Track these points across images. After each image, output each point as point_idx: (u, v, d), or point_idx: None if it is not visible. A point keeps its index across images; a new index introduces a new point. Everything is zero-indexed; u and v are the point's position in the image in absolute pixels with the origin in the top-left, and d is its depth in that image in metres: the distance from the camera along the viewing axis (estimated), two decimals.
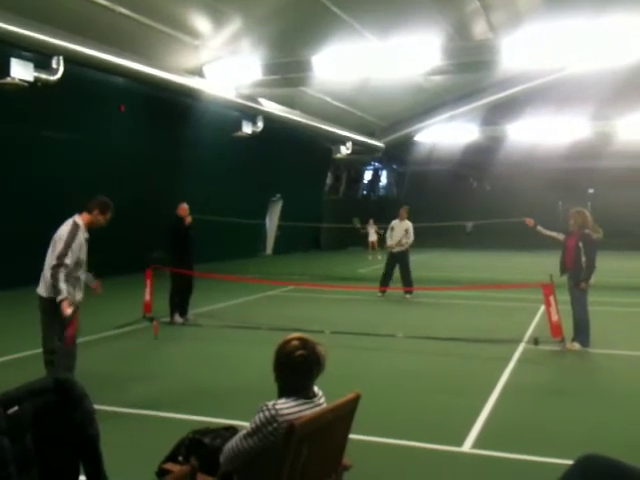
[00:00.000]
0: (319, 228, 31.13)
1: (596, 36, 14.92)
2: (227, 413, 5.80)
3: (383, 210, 26.13)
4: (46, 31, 12.62)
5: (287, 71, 17.40)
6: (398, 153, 34.40)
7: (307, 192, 29.61)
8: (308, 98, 21.97)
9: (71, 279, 5.88)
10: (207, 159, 20.98)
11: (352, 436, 3.45)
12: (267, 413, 3.05)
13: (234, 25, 15.95)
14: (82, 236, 5.98)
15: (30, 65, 12.92)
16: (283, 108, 21.35)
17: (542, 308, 10.26)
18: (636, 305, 13.12)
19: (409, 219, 14.60)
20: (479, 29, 19.09)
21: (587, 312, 8.94)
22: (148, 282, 11.29)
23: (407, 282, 14.24)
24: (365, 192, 39.89)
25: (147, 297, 11.26)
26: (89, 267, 6.21)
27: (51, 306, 5.80)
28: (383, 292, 14.27)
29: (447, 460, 5.09)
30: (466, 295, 13.98)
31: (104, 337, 9.77)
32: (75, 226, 5.95)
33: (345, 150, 27.26)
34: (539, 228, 9.93)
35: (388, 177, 41.71)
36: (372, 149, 29.41)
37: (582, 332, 8.93)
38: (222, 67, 17.17)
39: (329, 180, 33.84)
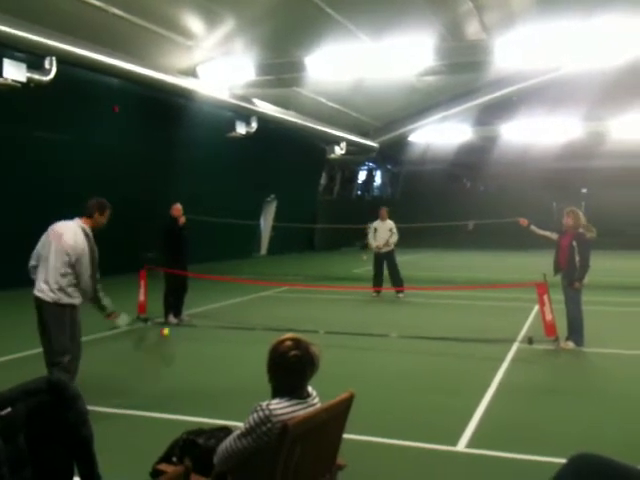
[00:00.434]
0: (313, 229, 31.14)
1: (589, 37, 14.97)
2: (221, 413, 5.79)
3: (378, 210, 26.10)
4: (39, 32, 12.57)
5: (281, 72, 17.39)
6: (392, 153, 34.42)
7: (301, 192, 29.60)
8: (302, 98, 21.96)
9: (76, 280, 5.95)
10: (201, 159, 20.96)
11: (346, 436, 3.45)
12: (261, 413, 3.05)
13: (227, 26, 15.93)
14: (93, 242, 6.04)
15: (23, 66, 12.88)
16: (277, 108, 21.34)
17: (536, 307, 10.29)
18: (630, 304, 13.17)
19: (397, 220, 14.85)
20: (472, 30, 19.10)
21: (581, 311, 8.96)
22: (142, 283, 11.28)
23: (397, 281, 14.32)
24: (359, 192, 39.92)
25: (141, 298, 11.24)
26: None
27: (58, 309, 5.86)
28: (378, 292, 14.34)
29: (442, 459, 5.09)
30: (460, 295, 14.00)
31: (98, 338, 9.74)
32: (87, 236, 5.95)
33: (339, 150, 27.25)
34: (533, 228, 9.94)
35: (382, 177, 41.72)
36: (366, 149, 29.43)
37: (576, 331, 8.96)
38: (216, 67, 17.15)
39: (323, 180, 33.83)
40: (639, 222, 29.86)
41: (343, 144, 27.07)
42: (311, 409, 3.16)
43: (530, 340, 9.17)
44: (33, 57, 13.01)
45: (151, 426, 5.85)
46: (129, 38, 14.75)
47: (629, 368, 8.21)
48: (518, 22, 16.87)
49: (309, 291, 14.90)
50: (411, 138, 30.17)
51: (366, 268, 16.42)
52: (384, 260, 14.36)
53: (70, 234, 5.90)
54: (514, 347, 9.11)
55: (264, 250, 28.28)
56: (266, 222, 28.11)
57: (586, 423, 5.96)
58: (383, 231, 14.46)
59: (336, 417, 3.27)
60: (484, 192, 37.88)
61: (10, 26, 11.94)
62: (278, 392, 3.18)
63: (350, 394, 3.32)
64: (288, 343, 3.19)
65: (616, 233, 26.54)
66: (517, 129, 28.83)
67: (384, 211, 14.82)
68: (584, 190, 31.93)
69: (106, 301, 6.21)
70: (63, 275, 5.86)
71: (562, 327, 9.05)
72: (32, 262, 6.06)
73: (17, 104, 13.90)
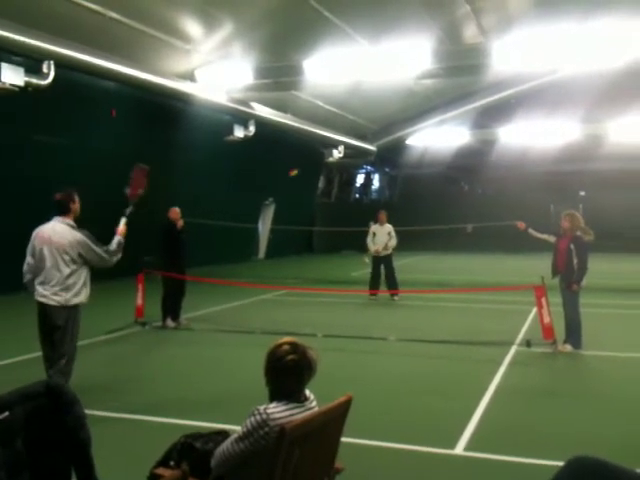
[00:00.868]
0: (312, 232, 31.15)
1: (586, 39, 14.99)
2: (219, 417, 5.78)
3: (376, 213, 26.11)
4: (36, 36, 12.57)
5: (279, 75, 17.39)
6: (390, 156, 34.42)
7: (299, 196, 29.61)
8: (300, 102, 21.97)
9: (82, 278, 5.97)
10: (199, 163, 20.96)
11: (344, 439, 3.45)
12: (258, 417, 3.05)
13: (225, 29, 15.94)
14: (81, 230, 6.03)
15: (21, 70, 12.87)
16: (275, 112, 21.35)
17: (534, 310, 10.30)
18: (627, 307, 13.17)
19: (395, 223, 14.97)
20: (470, 33, 19.13)
21: (579, 314, 8.98)
22: (140, 286, 11.27)
23: (393, 284, 14.44)
24: (357, 195, 39.93)
25: (139, 301, 11.24)
26: None
27: (64, 311, 5.84)
28: (375, 295, 14.41)
29: (440, 463, 5.10)
30: (458, 298, 14.01)
31: (96, 342, 9.75)
32: (75, 228, 5.95)
33: (337, 154, 27.26)
34: (530, 231, 9.95)
35: (380, 180, 41.72)
36: (364, 152, 29.43)
37: (574, 334, 8.96)
38: (213, 71, 17.15)
39: (321, 184, 33.85)
40: (637, 225, 29.85)
41: (341, 147, 27.08)
42: (309, 413, 3.16)
43: (528, 343, 9.18)
44: (31, 61, 13.00)
45: (149, 430, 5.85)
46: (127, 42, 14.76)
47: (627, 370, 8.21)
48: (516, 25, 16.89)
49: (307, 294, 14.90)
50: (409, 141, 30.17)
51: (364, 271, 16.43)
52: (382, 263, 14.43)
53: (58, 234, 5.87)
54: (512, 350, 9.11)
55: (262, 253, 28.26)
56: (264, 225, 28.11)
57: (584, 426, 5.96)
58: (382, 235, 14.57)
59: (334, 420, 3.27)
60: (482, 195, 37.87)
61: (8, 30, 11.94)
62: (276, 396, 3.18)
63: (348, 397, 3.32)
64: (285, 347, 3.19)
65: (614, 236, 26.51)
66: (515, 132, 28.83)
67: (383, 215, 14.89)
68: (582, 193, 31.91)
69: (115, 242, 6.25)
70: (68, 276, 5.84)
71: (560, 330, 9.06)
72: (28, 276, 5.99)
73: (15, 108, 13.90)
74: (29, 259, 5.96)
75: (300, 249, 30.31)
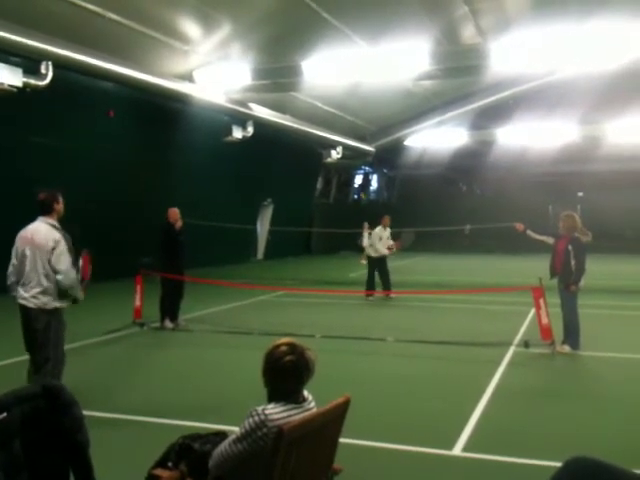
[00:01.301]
0: (310, 233, 31.14)
1: (584, 40, 15.02)
2: (217, 418, 5.77)
3: (374, 214, 26.14)
4: (35, 36, 12.58)
5: (277, 76, 17.40)
6: (388, 157, 34.44)
7: (298, 196, 29.61)
8: (298, 103, 21.98)
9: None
10: (197, 164, 20.96)
11: (342, 440, 3.45)
12: (256, 418, 3.05)
13: (224, 30, 15.95)
14: (64, 232, 5.88)
15: (19, 70, 12.88)
16: (273, 113, 21.36)
17: (532, 311, 10.30)
18: (625, 308, 13.19)
19: (393, 224, 15.47)
20: (468, 34, 19.15)
21: (577, 315, 8.98)
22: (138, 287, 11.26)
23: (388, 286, 14.78)
24: (356, 196, 39.94)
25: (137, 302, 11.22)
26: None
27: (43, 315, 5.73)
28: (371, 296, 14.69)
29: (438, 464, 5.09)
30: (456, 299, 14.02)
31: (94, 343, 9.73)
32: (58, 229, 5.80)
33: (335, 154, 27.30)
34: (529, 232, 9.95)
35: (379, 181, 41.74)
36: (362, 153, 29.45)
37: (572, 335, 8.97)
38: (212, 72, 17.17)
39: (320, 184, 33.87)
40: (635, 226, 29.92)
41: (339, 148, 27.11)
42: (307, 414, 3.16)
43: (526, 344, 9.18)
44: (29, 62, 13.01)
45: (147, 431, 5.84)
46: (125, 43, 14.76)
47: (625, 371, 8.21)
48: (513, 26, 16.92)
49: (306, 295, 14.91)
50: (407, 142, 30.19)
51: (363, 272, 16.44)
52: (377, 265, 14.75)
53: (41, 234, 5.75)
54: (510, 351, 9.11)
55: (261, 254, 28.27)
56: (262, 226, 28.11)
57: (582, 426, 5.96)
58: (386, 238, 14.99)
59: (332, 421, 3.27)
60: (480, 196, 37.92)
61: (6, 31, 11.94)
62: (274, 397, 3.18)
63: (346, 398, 3.32)
64: (283, 348, 3.19)
65: (612, 237, 26.57)
66: (513, 133, 28.85)
67: (387, 219, 15.23)
68: (580, 194, 31.97)
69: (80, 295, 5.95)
70: (47, 276, 5.69)
71: (558, 331, 9.06)
72: (12, 278, 5.87)
73: (13, 109, 13.88)
74: (13, 260, 5.86)
75: (298, 250, 30.31)
